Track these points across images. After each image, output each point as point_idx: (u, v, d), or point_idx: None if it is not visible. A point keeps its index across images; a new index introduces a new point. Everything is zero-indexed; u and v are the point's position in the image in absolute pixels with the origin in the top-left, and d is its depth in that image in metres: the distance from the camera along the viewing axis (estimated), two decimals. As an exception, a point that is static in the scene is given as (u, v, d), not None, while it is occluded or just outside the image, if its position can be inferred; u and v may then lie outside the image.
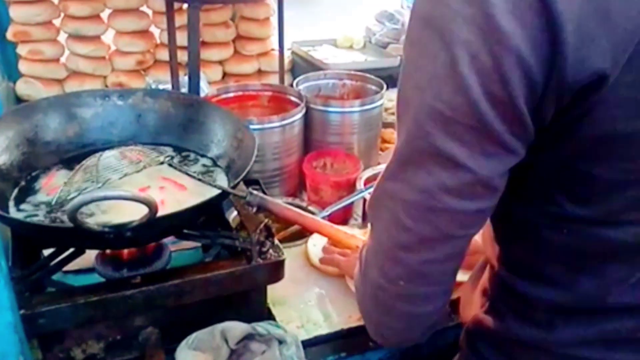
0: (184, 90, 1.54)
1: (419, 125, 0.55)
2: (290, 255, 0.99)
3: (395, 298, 0.65)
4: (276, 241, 0.95)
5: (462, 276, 0.99)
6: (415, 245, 0.61)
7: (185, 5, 1.56)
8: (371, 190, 1.25)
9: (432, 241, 0.61)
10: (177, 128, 1.11)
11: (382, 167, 1.38)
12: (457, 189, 0.56)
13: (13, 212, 0.92)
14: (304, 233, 1.19)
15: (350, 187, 1.35)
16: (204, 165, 1.06)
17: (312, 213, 1.21)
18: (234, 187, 0.92)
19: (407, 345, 0.73)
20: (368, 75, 1.62)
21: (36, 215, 0.91)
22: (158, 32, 1.87)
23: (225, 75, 1.96)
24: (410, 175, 0.58)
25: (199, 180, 0.96)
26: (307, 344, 0.94)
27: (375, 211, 0.65)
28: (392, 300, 0.66)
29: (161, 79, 1.69)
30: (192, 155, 1.09)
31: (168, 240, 0.98)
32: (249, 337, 0.89)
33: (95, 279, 0.92)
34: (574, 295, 0.65)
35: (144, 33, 1.83)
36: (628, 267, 0.63)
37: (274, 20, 1.84)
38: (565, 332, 0.66)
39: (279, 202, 0.93)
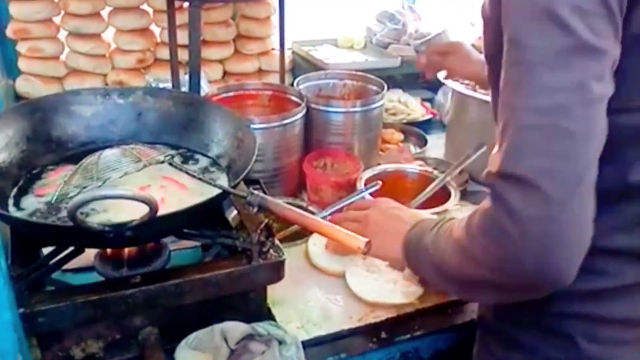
0: (185, 89, 1.53)
1: (562, 25, 0.62)
2: (291, 255, 0.99)
3: (567, 226, 0.64)
4: (276, 241, 0.95)
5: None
6: (579, 150, 0.63)
7: (186, 4, 1.55)
8: (370, 191, 1.26)
9: (590, 139, 0.64)
10: (178, 127, 1.11)
11: (382, 168, 1.39)
12: (601, 75, 0.63)
13: (12, 211, 0.91)
14: (304, 233, 1.19)
15: (350, 187, 1.35)
16: (204, 165, 1.06)
17: (313, 213, 1.21)
18: (234, 187, 0.92)
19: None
20: (369, 75, 1.62)
21: (36, 213, 0.91)
22: (158, 31, 1.86)
23: (225, 74, 1.95)
24: (563, 79, 0.62)
25: (200, 179, 0.96)
26: (307, 345, 0.94)
27: (525, 144, 0.64)
28: (564, 230, 0.64)
29: (161, 78, 1.68)
30: (193, 155, 1.08)
31: (168, 239, 0.98)
32: (248, 337, 0.89)
33: (94, 278, 0.92)
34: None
35: (145, 31, 1.82)
36: None
37: (275, 19, 1.84)
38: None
39: (279, 202, 0.93)
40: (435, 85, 1.96)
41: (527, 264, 0.64)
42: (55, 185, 0.96)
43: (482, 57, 1.05)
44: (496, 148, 0.68)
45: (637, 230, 0.76)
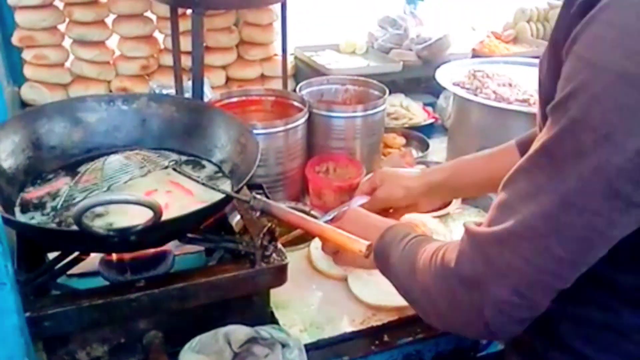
0: (188, 95, 1.54)
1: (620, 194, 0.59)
2: (293, 259, 0.99)
3: (520, 309, 0.67)
4: (279, 245, 0.96)
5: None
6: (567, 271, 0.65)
7: (189, 11, 1.57)
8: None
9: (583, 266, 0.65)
10: (181, 133, 1.12)
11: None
12: (626, 225, 0.61)
13: (19, 216, 0.93)
14: (307, 237, 1.20)
15: (352, 191, 1.35)
16: (207, 170, 1.07)
17: (315, 217, 1.21)
18: (237, 192, 0.93)
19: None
20: (371, 80, 1.63)
21: (41, 218, 0.92)
22: (162, 38, 1.87)
23: (228, 80, 1.96)
24: (587, 219, 0.60)
25: (203, 184, 0.97)
26: (310, 348, 0.95)
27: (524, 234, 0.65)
28: (517, 312, 0.68)
29: (165, 84, 1.69)
30: (196, 160, 1.09)
31: (172, 244, 0.99)
32: (252, 340, 0.90)
33: (99, 282, 0.93)
34: None
35: (148, 38, 1.84)
36: None
37: (277, 25, 1.85)
38: None
39: (282, 206, 0.94)
40: (437, 90, 1.97)
41: (476, 320, 0.69)
42: (60, 191, 0.97)
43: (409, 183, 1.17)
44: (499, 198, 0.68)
45: None
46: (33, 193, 0.98)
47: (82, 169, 1.01)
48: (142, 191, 0.96)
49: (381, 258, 0.91)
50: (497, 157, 1.11)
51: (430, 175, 1.18)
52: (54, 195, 0.97)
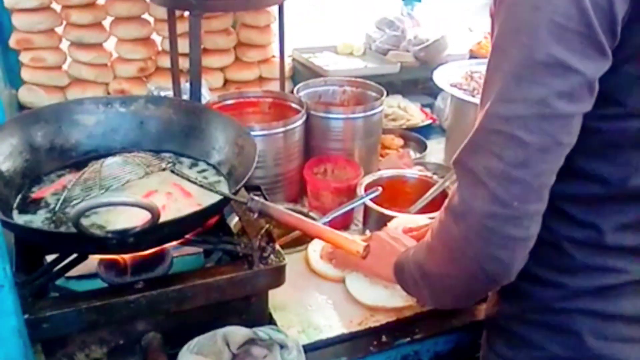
0: (186, 97, 1.55)
1: (536, 40, 0.64)
2: (291, 260, 1.00)
3: (505, 222, 0.69)
4: (277, 246, 0.96)
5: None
6: (530, 159, 0.67)
7: (186, 13, 1.57)
8: (370, 197, 1.27)
9: (545, 152, 0.67)
10: (179, 135, 1.12)
11: (382, 173, 1.40)
12: (569, 93, 0.65)
13: (16, 218, 0.93)
14: (304, 239, 1.20)
15: (350, 193, 1.35)
16: (205, 172, 1.07)
17: (313, 219, 1.22)
18: (235, 193, 0.93)
19: (500, 285, 0.76)
20: (368, 81, 1.63)
21: (39, 220, 0.92)
22: (160, 40, 1.88)
23: (226, 82, 1.97)
24: (526, 92, 0.66)
25: (201, 186, 0.97)
26: (308, 349, 0.95)
27: (483, 143, 0.70)
28: (502, 226, 0.69)
29: (163, 86, 1.69)
30: (194, 162, 1.10)
31: (170, 245, 0.99)
32: (250, 341, 0.90)
33: (98, 284, 0.93)
34: (601, 185, 0.73)
35: (146, 40, 1.84)
36: None
37: (275, 27, 1.85)
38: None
39: (280, 208, 0.94)
40: (434, 91, 1.97)
41: (469, 253, 0.71)
42: (58, 193, 0.97)
43: None
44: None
45: None
46: (39, 193, 0.98)
47: (80, 171, 1.01)
48: (141, 193, 0.96)
49: (400, 265, 0.95)
50: None
51: None
52: (56, 197, 0.97)
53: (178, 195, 0.97)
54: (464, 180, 0.72)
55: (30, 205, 0.96)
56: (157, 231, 0.82)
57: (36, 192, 0.99)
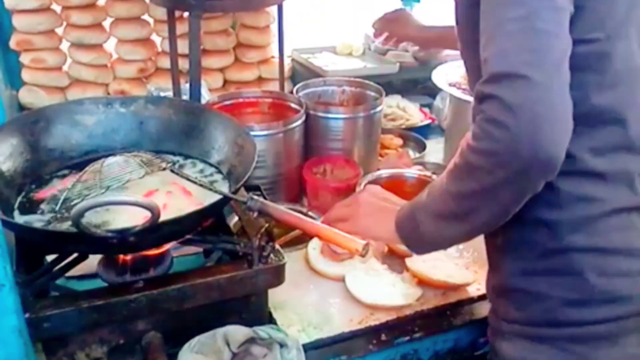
0: (185, 97, 1.55)
1: None
2: (291, 259, 1.00)
3: (551, 106, 0.72)
4: (277, 245, 0.96)
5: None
6: (552, 44, 0.73)
7: (186, 14, 1.57)
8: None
9: (560, 38, 0.74)
10: (179, 135, 1.13)
11: (381, 173, 1.40)
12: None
13: (17, 218, 0.93)
14: (304, 238, 1.20)
15: (350, 192, 1.36)
16: (204, 171, 1.07)
17: (313, 218, 1.22)
18: (234, 193, 0.93)
19: (552, 174, 0.75)
20: (367, 81, 1.64)
21: (40, 220, 0.92)
22: (159, 40, 1.88)
23: (225, 82, 1.97)
24: None
25: (201, 185, 0.97)
26: (308, 348, 0.95)
27: (509, 45, 0.74)
28: (549, 110, 0.72)
29: (162, 87, 1.70)
30: (194, 162, 1.10)
31: (170, 245, 0.99)
32: (250, 340, 0.90)
33: (98, 284, 0.93)
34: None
35: (146, 41, 1.84)
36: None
37: (274, 28, 1.86)
38: None
39: (279, 207, 0.94)
40: (433, 91, 1.98)
41: (524, 145, 0.71)
42: (58, 193, 0.98)
43: (420, 23, 1.48)
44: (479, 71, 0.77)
45: (614, 155, 0.84)
46: (41, 193, 0.99)
47: (80, 171, 1.01)
48: (141, 193, 0.96)
49: (406, 214, 0.91)
50: None
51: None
52: (57, 196, 0.97)
53: (178, 194, 0.98)
54: (502, 84, 0.72)
55: (31, 205, 0.96)
56: (157, 230, 0.82)
57: (39, 193, 0.99)
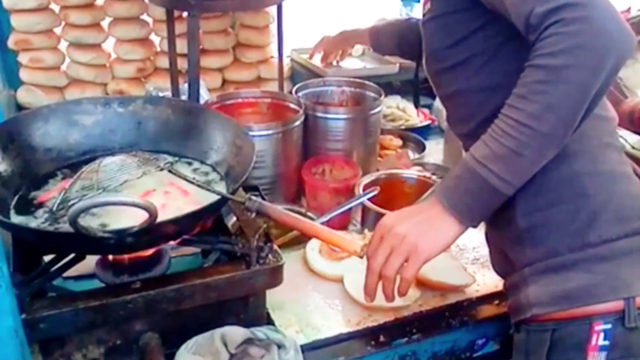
0: (184, 97, 1.55)
1: None
2: (289, 260, 1.00)
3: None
4: (275, 246, 0.96)
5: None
6: None
7: (185, 14, 1.57)
8: (368, 196, 1.27)
9: None
10: (177, 135, 1.12)
11: (380, 173, 1.40)
12: None
13: (14, 218, 0.93)
14: (302, 239, 1.20)
15: (348, 193, 1.36)
16: (203, 172, 1.07)
17: (311, 219, 1.22)
18: (233, 193, 0.93)
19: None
20: (367, 82, 1.64)
21: (37, 221, 0.92)
22: (158, 40, 1.88)
23: (224, 82, 1.97)
24: None
25: (198, 186, 0.97)
26: (306, 349, 0.95)
27: None
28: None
29: (161, 87, 1.69)
30: (192, 162, 1.10)
31: (168, 245, 0.99)
32: (248, 341, 0.90)
33: (95, 285, 0.93)
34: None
35: (144, 41, 1.84)
36: None
37: (274, 27, 1.86)
38: None
39: (278, 208, 0.94)
40: (433, 92, 1.97)
41: (608, 25, 0.75)
42: (56, 193, 0.97)
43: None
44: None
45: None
46: (43, 197, 0.98)
47: (78, 171, 1.01)
48: (138, 193, 0.96)
49: (456, 187, 0.87)
50: None
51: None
52: (54, 197, 0.97)
53: (176, 194, 0.97)
54: None
55: (27, 206, 0.96)
56: (155, 231, 0.82)
57: (40, 196, 0.98)
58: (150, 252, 0.96)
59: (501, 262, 1.02)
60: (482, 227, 1.27)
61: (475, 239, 1.24)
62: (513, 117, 0.81)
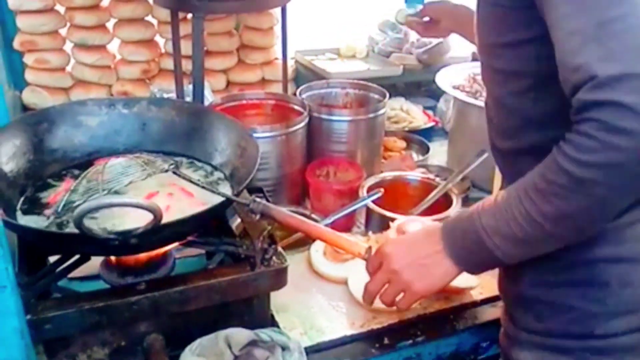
0: (189, 99, 1.55)
1: None
2: (294, 262, 1.00)
3: None
4: (279, 248, 0.96)
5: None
6: None
7: (189, 15, 1.57)
8: (372, 198, 1.27)
9: None
10: (182, 136, 1.12)
11: (384, 175, 1.40)
12: None
13: (20, 219, 0.93)
14: (307, 240, 1.20)
15: (352, 195, 1.35)
16: (207, 173, 1.07)
17: (316, 220, 1.22)
18: (237, 195, 0.93)
19: None
20: (371, 84, 1.64)
21: (42, 222, 0.92)
22: (163, 42, 1.89)
23: (229, 84, 1.97)
24: None
25: (203, 187, 0.97)
26: (310, 351, 0.95)
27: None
28: None
29: (166, 88, 1.70)
30: (196, 163, 1.10)
31: (172, 247, 0.99)
32: (252, 343, 0.90)
33: (100, 285, 0.93)
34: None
35: (149, 42, 1.85)
36: None
37: (278, 29, 1.86)
38: None
39: (282, 209, 0.94)
40: (437, 93, 1.97)
41: None
42: (61, 194, 0.98)
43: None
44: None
45: None
46: (51, 197, 0.98)
47: (83, 172, 1.01)
48: (143, 194, 0.96)
49: (461, 246, 0.85)
50: None
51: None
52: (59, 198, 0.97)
53: (180, 196, 0.97)
54: (618, 87, 0.64)
55: (33, 207, 0.96)
56: (159, 232, 0.82)
57: (47, 197, 0.98)
58: (154, 253, 0.96)
59: (505, 289, 0.97)
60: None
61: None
62: (526, 207, 0.75)
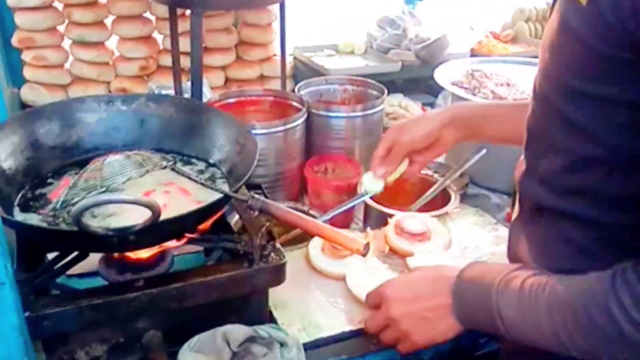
0: (187, 95, 1.55)
1: None
2: (292, 258, 1.00)
3: None
4: (277, 244, 0.96)
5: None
6: None
7: (188, 12, 1.57)
8: (371, 194, 1.27)
9: None
10: (180, 133, 1.12)
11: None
12: None
13: (17, 216, 0.93)
14: (305, 237, 1.20)
15: (351, 191, 1.36)
16: (206, 170, 1.07)
17: (314, 217, 1.22)
18: (236, 191, 0.93)
19: None
20: (369, 80, 1.64)
21: (41, 218, 0.92)
22: (161, 38, 1.88)
23: (227, 80, 1.97)
24: None
25: (202, 184, 0.97)
26: (308, 347, 0.95)
27: None
28: None
29: (164, 85, 1.70)
30: (195, 160, 1.10)
31: (170, 244, 0.99)
32: (250, 339, 0.90)
33: (98, 282, 0.93)
34: None
35: (147, 39, 1.85)
36: None
37: (276, 26, 1.86)
38: None
39: (280, 206, 0.94)
40: (435, 90, 1.97)
41: None
42: (59, 191, 0.98)
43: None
44: None
45: None
46: (49, 194, 0.98)
47: (81, 169, 1.01)
48: (141, 191, 0.96)
49: (473, 319, 0.82)
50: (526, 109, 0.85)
51: (457, 108, 1.13)
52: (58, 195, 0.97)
53: (176, 194, 0.97)
54: None
55: (32, 204, 0.96)
56: (158, 229, 0.82)
57: (45, 194, 0.98)
58: (153, 250, 0.96)
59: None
60: (490, 230, 1.28)
61: (479, 238, 1.24)
62: (556, 323, 0.68)
